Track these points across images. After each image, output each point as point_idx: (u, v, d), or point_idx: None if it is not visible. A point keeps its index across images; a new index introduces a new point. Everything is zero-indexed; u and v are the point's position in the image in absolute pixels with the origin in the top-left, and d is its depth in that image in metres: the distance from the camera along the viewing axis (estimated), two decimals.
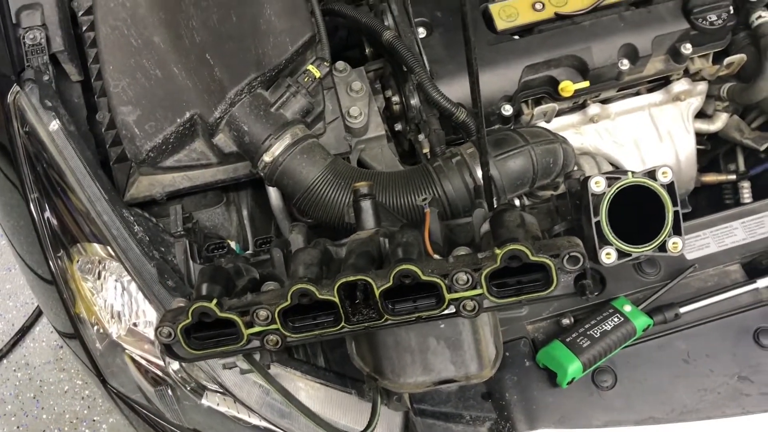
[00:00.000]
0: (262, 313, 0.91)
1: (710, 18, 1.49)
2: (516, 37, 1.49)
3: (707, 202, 1.82)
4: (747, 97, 1.60)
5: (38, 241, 1.32)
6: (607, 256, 0.93)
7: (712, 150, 1.84)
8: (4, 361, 2.49)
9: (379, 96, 1.62)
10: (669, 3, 1.50)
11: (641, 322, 1.13)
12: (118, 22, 1.34)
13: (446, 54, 1.45)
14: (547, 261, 0.85)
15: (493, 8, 1.50)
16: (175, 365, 1.26)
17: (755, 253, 1.24)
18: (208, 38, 1.32)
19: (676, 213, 0.93)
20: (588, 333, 1.11)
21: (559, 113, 1.58)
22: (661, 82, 1.62)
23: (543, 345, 1.15)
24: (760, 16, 1.56)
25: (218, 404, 1.27)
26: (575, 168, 1.42)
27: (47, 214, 1.30)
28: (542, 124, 1.56)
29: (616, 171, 0.96)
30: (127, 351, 1.28)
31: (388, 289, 0.89)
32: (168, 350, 0.96)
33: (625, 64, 1.48)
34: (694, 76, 1.62)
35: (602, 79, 1.49)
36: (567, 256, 0.86)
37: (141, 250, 1.23)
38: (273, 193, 1.44)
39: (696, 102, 1.65)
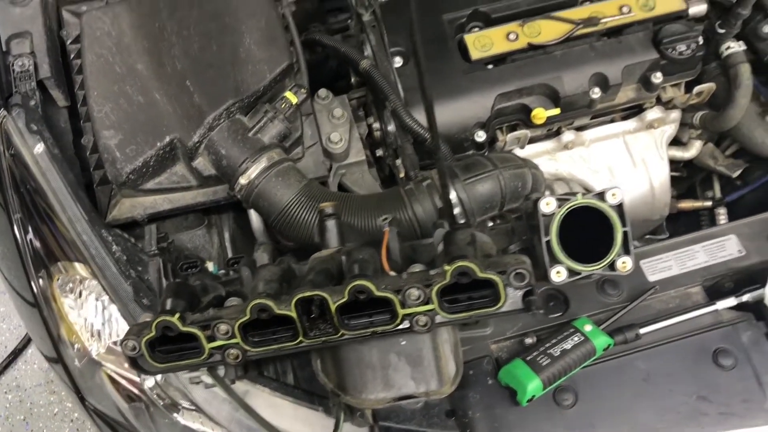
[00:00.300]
0: (223, 327, 0.94)
1: (679, 48, 1.54)
2: (490, 66, 1.54)
3: (685, 228, 1.85)
4: (718, 124, 1.64)
5: (21, 262, 1.37)
6: (558, 275, 0.96)
7: (689, 177, 1.87)
8: None
9: (362, 123, 1.66)
10: (639, 34, 1.55)
11: (601, 341, 1.16)
12: (104, 50, 1.40)
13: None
14: (494, 277, 0.89)
15: (468, 38, 1.54)
16: (150, 382, 1.29)
17: (717, 276, 1.27)
18: (188, 66, 1.37)
19: (625, 233, 0.96)
20: (548, 352, 1.14)
21: (535, 140, 1.62)
22: (635, 110, 1.66)
23: (506, 363, 1.18)
24: (729, 47, 1.60)
25: (193, 422, 1.29)
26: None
27: (30, 235, 1.35)
28: (516, 150, 1.60)
29: (568, 193, 1.00)
30: (103, 368, 1.31)
31: (343, 304, 0.93)
32: (133, 363, 0.99)
33: (596, 93, 1.52)
34: (667, 105, 1.65)
35: (574, 106, 1.53)
36: (513, 273, 0.89)
37: (118, 269, 1.28)
38: (254, 216, 1.48)
39: (670, 130, 1.68)
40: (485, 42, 1.54)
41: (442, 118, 1.49)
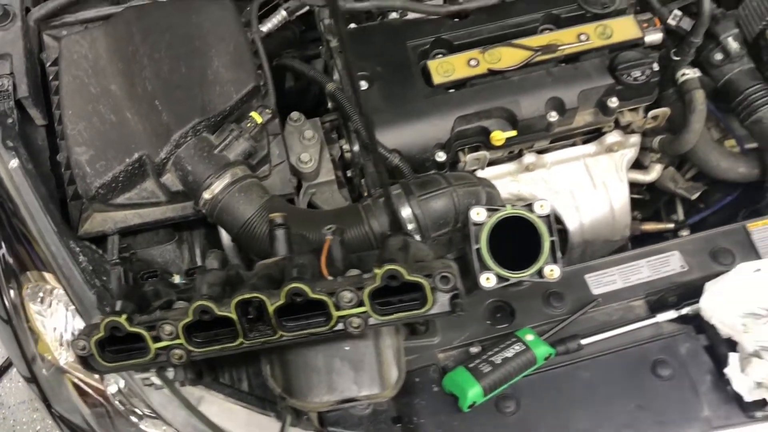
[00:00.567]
0: (168, 327, 0.99)
1: (634, 74, 1.59)
2: (451, 90, 1.60)
3: None
4: (675, 148, 1.69)
5: None
6: (487, 281, 1.01)
7: (653, 200, 1.92)
8: None
9: (336, 145, 1.72)
10: (595, 60, 1.61)
11: (542, 351, 1.20)
12: (80, 72, 1.47)
13: (384, 104, 1.56)
14: (421, 280, 0.94)
15: (432, 64, 1.61)
16: (113, 389, 1.34)
17: (659, 290, 1.31)
18: (159, 87, 1.44)
19: (552, 242, 1.01)
20: (490, 360, 1.18)
21: (497, 162, 1.68)
22: (595, 134, 1.72)
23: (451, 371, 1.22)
24: (684, 74, 1.66)
25: (155, 429, 1.33)
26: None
27: (2, 250, 1.41)
28: (479, 171, 1.66)
29: (501, 205, 1.05)
30: (68, 375, 1.36)
31: (281, 306, 0.98)
32: (84, 362, 1.04)
33: (553, 116, 1.57)
34: (626, 129, 1.71)
35: (532, 129, 1.59)
36: (440, 276, 0.94)
37: (83, 279, 1.33)
38: (224, 231, 1.53)
39: (630, 153, 1.74)
40: (447, 68, 1.61)
41: (404, 139, 1.55)
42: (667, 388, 1.21)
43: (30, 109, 1.50)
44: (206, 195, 1.39)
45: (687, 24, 1.65)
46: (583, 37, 1.62)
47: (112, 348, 1.03)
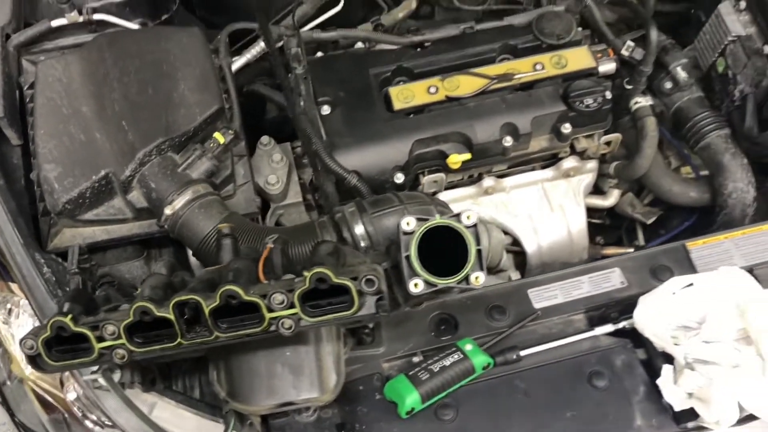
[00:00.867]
0: (110, 327, 1.04)
1: (587, 102, 1.66)
2: (410, 115, 1.67)
3: None
4: (629, 173, 1.75)
5: None
6: (416, 286, 1.06)
7: (615, 225, 1.97)
8: None
9: (307, 169, 1.79)
10: (549, 88, 1.68)
11: (480, 360, 1.24)
12: (54, 94, 1.55)
13: (345, 128, 1.63)
14: (347, 282, 0.99)
15: (393, 91, 1.68)
16: (71, 395, 1.38)
17: (599, 305, 1.35)
18: (126, 108, 1.51)
19: (478, 251, 1.07)
20: (429, 368, 1.22)
21: (457, 185, 1.74)
22: (554, 160, 1.78)
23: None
24: (636, 102, 1.73)
25: None
26: None
27: None
28: (440, 194, 1.72)
29: (430, 216, 1.10)
30: (28, 383, 1.41)
31: (218, 308, 1.03)
32: (32, 361, 1.08)
33: (508, 141, 1.64)
34: (582, 155, 1.77)
35: (488, 153, 1.65)
36: (365, 279, 0.99)
37: (46, 289, 1.39)
38: None
39: (587, 179, 1.80)
40: (407, 94, 1.68)
41: (365, 161, 1.62)
42: (602, 399, 1.24)
43: (6, 129, 1.57)
44: (168, 210, 1.45)
45: (639, 54, 1.72)
46: (538, 67, 1.69)
47: (60, 348, 1.08)
